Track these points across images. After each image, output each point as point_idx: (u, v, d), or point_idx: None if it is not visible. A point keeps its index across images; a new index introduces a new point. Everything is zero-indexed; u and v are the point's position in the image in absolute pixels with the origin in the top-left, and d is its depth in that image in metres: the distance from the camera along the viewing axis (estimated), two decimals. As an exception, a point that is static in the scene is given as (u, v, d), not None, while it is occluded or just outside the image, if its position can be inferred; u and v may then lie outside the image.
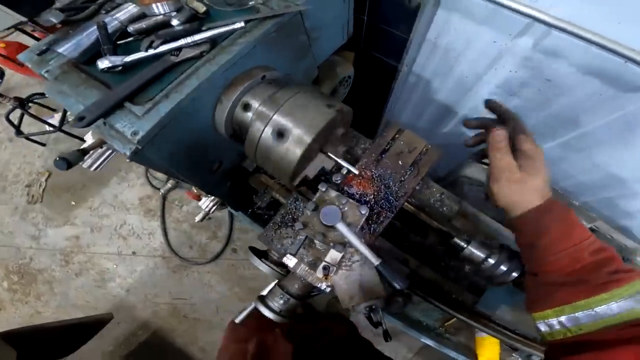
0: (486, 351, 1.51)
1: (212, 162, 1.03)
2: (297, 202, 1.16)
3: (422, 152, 1.16)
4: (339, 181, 0.86)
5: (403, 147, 1.16)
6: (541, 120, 1.40)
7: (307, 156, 0.80)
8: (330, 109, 0.81)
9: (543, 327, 0.67)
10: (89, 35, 0.84)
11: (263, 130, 0.80)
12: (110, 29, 0.85)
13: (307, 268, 0.93)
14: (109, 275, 2.63)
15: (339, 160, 0.85)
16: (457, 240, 0.88)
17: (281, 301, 1.02)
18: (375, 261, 0.71)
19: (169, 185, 2.18)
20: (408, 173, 1.12)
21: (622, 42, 0.94)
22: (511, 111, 0.80)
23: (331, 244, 0.81)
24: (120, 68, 0.81)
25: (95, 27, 0.84)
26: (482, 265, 0.84)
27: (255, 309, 1.04)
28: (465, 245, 0.86)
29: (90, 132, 1.06)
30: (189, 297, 2.52)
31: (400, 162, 1.14)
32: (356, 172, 0.87)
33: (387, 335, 1.28)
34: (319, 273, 0.83)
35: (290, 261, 0.82)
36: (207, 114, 0.87)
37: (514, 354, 1.54)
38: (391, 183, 1.09)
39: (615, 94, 1.10)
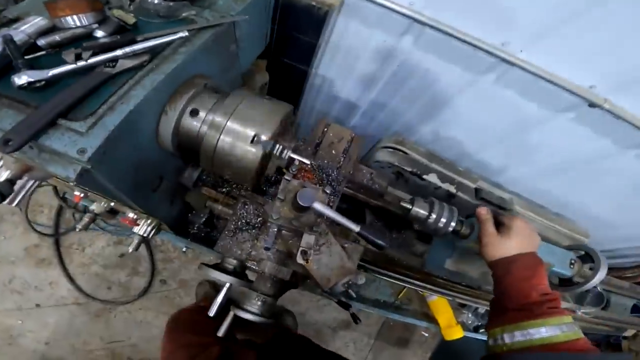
0: (443, 312, 1.72)
1: (154, 180, 0.95)
2: (246, 207, 1.15)
3: (349, 140, 1.29)
4: (295, 172, 0.90)
5: (333, 139, 1.27)
6: (421, 107, 1.69)
7: (266, 155, 0.83)
8: (281, 105, 0.85)
9: (491, 342, 0.86)
10: (-12, 50, 0.70)
11: (219, 137, 0.79)
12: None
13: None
14: (17, 331, 2.15)
15: (294, 155, 0.89)
16: (403, 204, 1.01)
17: (259, 302, 1.02)
18: (356, 227, 0.78)
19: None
20: (342, 160, 1.24)
21: (473, 34, 1.22)
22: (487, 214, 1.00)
23: (306, 228, 0.85)
24: (42, 83, 0.69)
25: (-6, 41, 0.70)
26: (427, 221, 0.99)
27: (235, 317, 1.01)
28: (410, 207, 1.00)
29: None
30: (126, 338, 2.19)
31: (333, 152, 1.24)
32: (308, 162, 0.93)
33: (356, 318, 1.37)
34: (299, 259, 0.86)
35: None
36: (151, 127, 0.81)
37: (464, 311, 1.80)
38: (330, 171, 1.18)
39: (471, 77, 1.41)
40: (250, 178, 0.83)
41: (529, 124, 1.48)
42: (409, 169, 1.75)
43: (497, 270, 0.93)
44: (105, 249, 2.29)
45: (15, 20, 0.80)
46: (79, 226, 1.16)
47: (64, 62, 0.73)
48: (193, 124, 0.83)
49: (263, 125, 0.79)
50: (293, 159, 0.93)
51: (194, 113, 0.82)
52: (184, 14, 0.91)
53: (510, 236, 0.92)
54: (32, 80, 0.68)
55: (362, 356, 2.52)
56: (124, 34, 0.83)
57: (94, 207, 1.18)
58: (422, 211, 1.01)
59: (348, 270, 1.05)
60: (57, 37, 0.77)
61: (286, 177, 0.84)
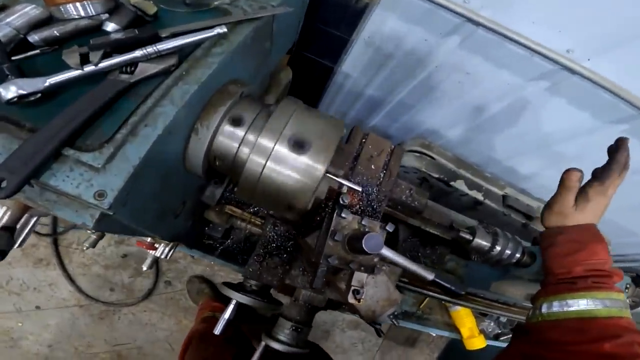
0: (466, 322, 1.61)
1: (177, 207, 0.78)
2: (276, 229, 0.99)
3: (389, 153, 1.12)
4: (347, 202, 0.74)
5: (372, 151, 1.09)
6: (454, 110, 1.52)
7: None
8: (337, 127, 0.68)
9: (530, 314, 0.77)
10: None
11: (265, 164, 0.61)
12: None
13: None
14: (17, 334, 2.02)
15: (344, 182, 0.73)
16: (463, 234, 0.87)
17: (295, 333, 0.89)
18: (430, 276, 0.64)
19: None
20: (382, 176, 1.07)
21: (534, 38, 1.06)
22: (620, 160, 0.78)
23: (362, 268, 0.70)
24: (38, 96, 0.50)
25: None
26: (490, 253, 0.85)
27: (267, 348, 0.88)
28: (471, 238, 0.85)
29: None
30: (131, 340, 2.06)
31: (372, 167, 1.07)
32: (359, 189, 0.77)
33: (380, 332, 1.25)
34: (351, 299, 0.72)
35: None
36: (178, 150, 0.63)
37: (486, 320, 1.69)
38: (370, 189, 1.02)
39: (520, 82, 1.25)
40: (299, 212, 0.67)
41: (574, 134, 1.33)
42: (436, 175, 1.60)
43: (543, 241, 0.81)
44: (106, 249, 2.11)
45: (2, 8, 0.60)
46: (86, 244, 0.98)
47: (66, 66, 0.54)
48: (231, 146, 0.65)
49: (318, 154, 0.62)
50: (342, 185, 0.76)
51: (232, 130, 0.64)
52: (215, 3, 0.71)
53: (584, 211, 0.76)
54: (23, 92, 0.49)
55: (370, 356, 2.44)
56: (143, 27, 0.63)
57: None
58: (484, 243, 0.86)
59: (394, 301, 0.92)
60: (55, 32, 0.58)
61: (343, 214, 0.68)
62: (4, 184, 0.43)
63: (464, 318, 1.66)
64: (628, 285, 1.06)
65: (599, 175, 0.78)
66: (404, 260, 0.63)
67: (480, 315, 1.72)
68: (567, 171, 0.79)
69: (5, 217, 0.55)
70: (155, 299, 2.13)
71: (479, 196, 1.62)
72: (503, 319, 1.74)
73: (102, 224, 0.50)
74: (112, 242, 2.11)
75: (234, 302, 0.90)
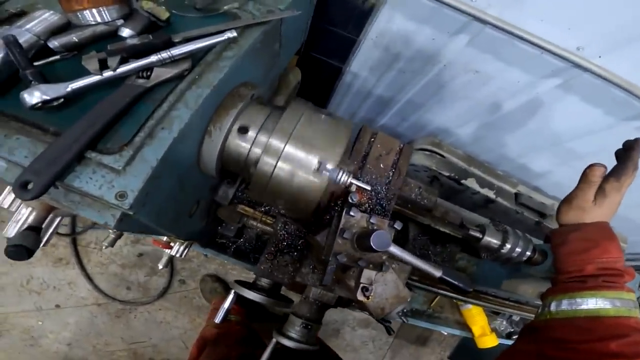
0: (477, 320, 1.60)
1: (192, 206, 0.80)
2: (287, 227, 1.01)
3: (398, 152, 1.12)
4: (355, 201, 0.75)
5: (380, 150, 1.10)
6: (466, 107, 1.51)
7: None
8: (346, 127, 0.69)
9: (538, 311, 0.77)
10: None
11: (276, 164, 0.63)
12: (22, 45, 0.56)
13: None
14: (37, 332, 2.09)
15: (355, 181, 0.74)
16: (472, 233, 0.87)
17: (305, 330, 0.90)
18: (438, 273, 0.65)
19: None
20: (391, 175, 1.08)
21: (543, 36, 1.05)
22: (635, 158, 0.78)
23: (370, 266, 0.71)
24: (60, 101, 0.53)
25: (-3, 45, 0.54)
26: (499, 251, 0.84)
27: (277, 344, 0.90)
28: (480, 236, 0.85)
29: (5, 195, 0.69)
30: (147, 338, 2.12)
31: (381, 165, 1.08)
32: (368, 188, 0.77)
33: (390, 330, 1.26)
34: (360, 297, 0.73)
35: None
36: (193, 151, 0.65)
37: (498, 319, 1.68)
38: (379, 188, 1.03)
39: (531, 80, 1.23)
40: (309, 211, 0.68)
41: (588, 131, 1.31)
42: (447, 174, 1.60)
43: (554, 238, 0.81)
44: (123, 248, 2.17)
45: (20, 15, 0.63)
46: (105, 243, 1.02)
47: (85, 72, 0.57)
48: (243, 147, 0.67)
49: (328, 151, 0.64)
50: (351, 184, 0.77)
51: (244, 135, 0.66)
52: (225, 7, 0.73)
53: (602, 206, 0.76)
54: (47, 98, 0.52)
55: (381, 354, 2.45)
56: (157, 32, 0.66)
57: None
58: (494, 241, 0.86)
59: (403, 299, 0.93)
60: (73, 37, 0.60)
61: (352, 212, 0.69)
62: (30, 186, 0.46)
63: (476, 316, 1.65)
64: (643, 284, 1.04)
65: (616, 171, 0.78)
66: (412, 258, 0.64)
67: (492, 314, 1.71)
68: (591, 166, 0.79)
69: (31, 218, 0.58)
70: (169, 298, 2.18)
71: (491, 194, 1.61)
72: (516, 318, 1.72)
73: (123, 223, 0.53)
74: (129, 241, 2.17)
75: (232, 292, 0.94)
